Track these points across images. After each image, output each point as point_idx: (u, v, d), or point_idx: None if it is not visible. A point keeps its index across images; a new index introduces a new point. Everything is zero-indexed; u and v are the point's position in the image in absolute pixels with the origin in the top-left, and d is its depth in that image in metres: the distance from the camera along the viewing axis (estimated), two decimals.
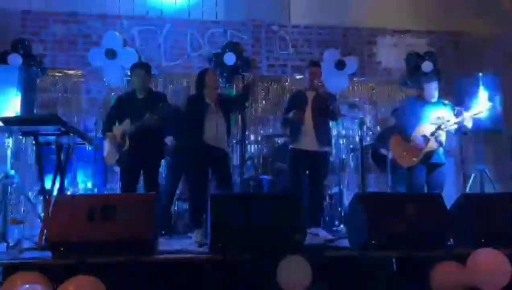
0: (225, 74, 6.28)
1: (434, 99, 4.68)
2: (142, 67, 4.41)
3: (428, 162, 4.54)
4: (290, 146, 4.57)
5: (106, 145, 4.35)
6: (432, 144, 4.49)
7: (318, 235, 4.11)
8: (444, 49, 7.04)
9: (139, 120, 4.06)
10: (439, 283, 2.72)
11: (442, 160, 4.62)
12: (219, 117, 4.18)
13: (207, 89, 4.19)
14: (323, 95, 4.43)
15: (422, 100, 4.72)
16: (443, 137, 4.57)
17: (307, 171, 4.48)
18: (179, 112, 4.23)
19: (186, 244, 3.42)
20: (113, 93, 6.26)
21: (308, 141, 4.40)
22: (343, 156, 5.85)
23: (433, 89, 4.65)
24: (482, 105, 4.49)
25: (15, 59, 5.73)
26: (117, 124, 4.29)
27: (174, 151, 4.85)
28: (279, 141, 6.13)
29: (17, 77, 4.46)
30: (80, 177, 5.22)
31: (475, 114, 4.44)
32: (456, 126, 4.50)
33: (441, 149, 4.57)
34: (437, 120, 4.55)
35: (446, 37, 7.08)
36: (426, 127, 4.55)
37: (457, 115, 4.59)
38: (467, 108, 4.57)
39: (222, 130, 4.18)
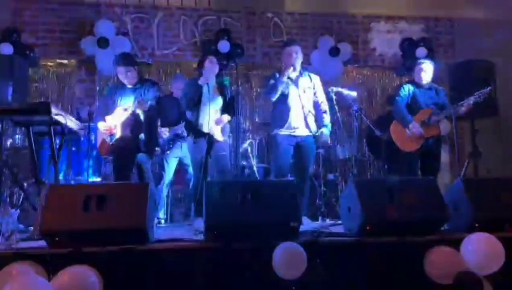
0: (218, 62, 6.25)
1: (428, 84, 4.68)
2: (120, 62, 4.29)
3: (426, 147, 4.55)
4: (276, 131, 4.27)
5: (100, 136, 4.33)
6: (431, 130, 4.50)
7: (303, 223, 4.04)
8: (438, 35, 7.03)
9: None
10: (434, 268, 2.74)
11: (439, 146, 4.63)
12: (215, 103, 4.17)
13: (204, 75, 4.19)
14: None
15: (416, 85, 4.71)
16: (439, 122, 4.57)
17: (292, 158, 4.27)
18: (167, 101, 4.24)
19: (182, 233, 3.43)
20: (106, 82, 6.23)
21: (297, 126, 4.20)
22: (338, 143, 5.85)
23: (423, 70, 4.64)
24: (478, 93, 4.48)
25: (6, 49, 5.66)
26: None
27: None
28: None
29: (8, 66, 4.42)
30: (74, 167, 5.19)
31: (471, 102, 4.45)
32: (451, 112, 4.50)
33: (438, 135, 4.58)
34: (432, 107, 4.56)
35: (441, 23, 7.06)
36: (422, 114, 4.55)
37: (452, 102, 4.60)
38: (462, 96, 4.56)
39: (216, 116, 4.18)
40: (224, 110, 4.33)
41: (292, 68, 4.21)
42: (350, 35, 6.85)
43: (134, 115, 4.03)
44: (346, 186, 3.38)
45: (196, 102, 4.17)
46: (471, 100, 4.41)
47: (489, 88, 4.46)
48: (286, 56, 4.32)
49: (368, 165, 6.51)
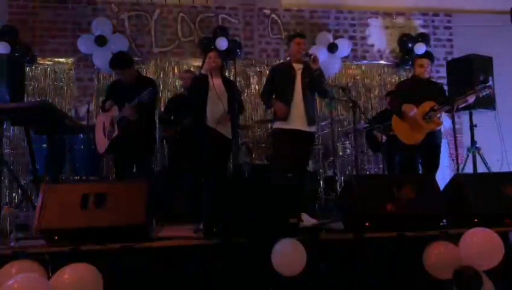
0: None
1: (427, 79, 4.68)
2: (117, 63, 4.25)
3: (426, 142, 4.54)
4: (275, 125, 4.26)
5: (98, 134, 4.32)
6: (431, 124, 4.49)
7: (303, 220, 4.03)
8: (437, 31, 7.02)
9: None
10: (433, 263, 2.74)
11: (439, 141, 4.63)
12: (222, 99, 4.15)
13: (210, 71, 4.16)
14: (316, 70, 4.11)
15: (415, 80, 4.72)
16: (439, 117, 4.57)
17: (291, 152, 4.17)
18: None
19: (184, 230, 3.42)
20: (104, 80, 6.22)
21: (297, 120, 4.14)
22: (336, 140, 5.84)
23: (421, 66, 4.64)
24: (477, 90, 4.48)
25: (3, 47, 5.64)
26: None
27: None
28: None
29: (5, 65, 4.42)
30: (72, 165, 5.18)
31: (470, 99, 4.45)
32: (449, 107, 4.50)
33: (439, 129, 4.58)
34: (431, 101, 4.56)
35: (439, 19, 7.05)
36: (423, 106, 4.55)
37: (451, 97, 4.60)
38: (461, 92, 4.56)
39: (224, 113, 4.16)
40: (231, 106, 4.22)
41: (302, 53, 4.16)
42: (348, 31, 6.84)
43: (123, 116, 4.04)
44: (345, 182, 3.38)
45: (203, 97, 4.13)
46: (472, 93, 4.41)
47: (489, 83, 4.46)
48: (295, 45, 4.28)
49: (367, 161, 6.52)
